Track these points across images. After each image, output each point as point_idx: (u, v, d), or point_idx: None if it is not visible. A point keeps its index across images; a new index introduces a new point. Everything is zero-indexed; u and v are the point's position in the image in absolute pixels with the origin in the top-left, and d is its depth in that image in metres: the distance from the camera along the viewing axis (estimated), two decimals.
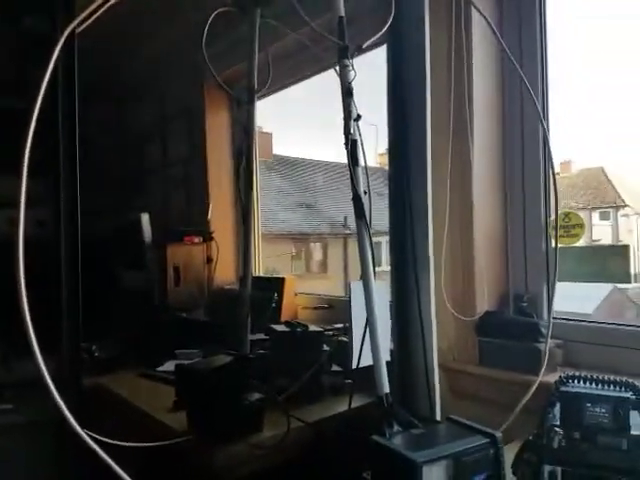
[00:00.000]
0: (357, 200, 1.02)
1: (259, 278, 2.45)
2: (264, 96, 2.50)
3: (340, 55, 1.04)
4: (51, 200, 0.97)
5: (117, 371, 1.94)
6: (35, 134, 0.78)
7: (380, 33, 1.07)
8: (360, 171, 1.04)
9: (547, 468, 0.93)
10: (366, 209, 1.05)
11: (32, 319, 0.74)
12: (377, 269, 1.79)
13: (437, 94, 1.41)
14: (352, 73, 1.04)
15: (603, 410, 0.92)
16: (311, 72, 2.27)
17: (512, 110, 1.55)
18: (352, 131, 1.01)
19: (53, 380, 0.77)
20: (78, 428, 0.77)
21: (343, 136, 1.02)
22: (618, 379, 0.95)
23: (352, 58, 1.04)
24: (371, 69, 1.35)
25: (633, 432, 0.89)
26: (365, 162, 1.15)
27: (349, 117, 1.01)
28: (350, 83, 1.02)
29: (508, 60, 1.49)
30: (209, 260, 2.42)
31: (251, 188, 1.32)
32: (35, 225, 1.06)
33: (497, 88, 1.55)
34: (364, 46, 1.07)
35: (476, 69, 1.47)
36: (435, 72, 1.34)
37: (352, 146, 1.01)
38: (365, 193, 1.04)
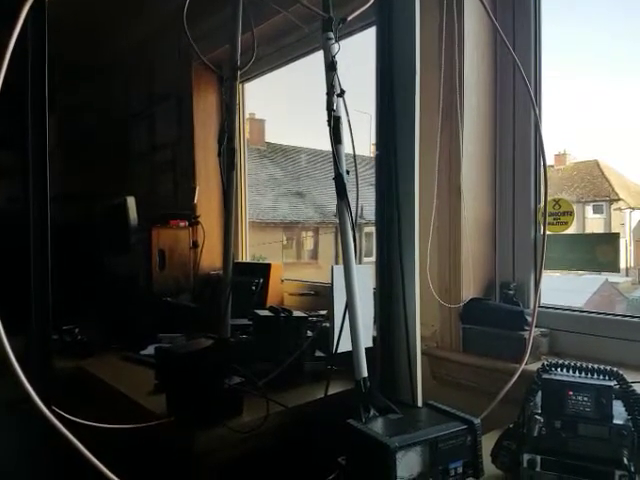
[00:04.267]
0: (339, 179, 0.99)
1: (245, 264, 2.42)
2: (250, 78, 2.46)
3: (324, 27, 1.00)
4: (20, 175, 0.93)
5: (100, 354, 1.92)
6: (2, 106, 0.74)
7: (366, 5, 1.03)
8: (343, 149, 1.00)
9: (526, 456, 0.91)
10: (350, 190, 1.02)
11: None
12: (369, 259, 1.76)
13: (427, 75, 1.37)
14: (336, 46, 1.00)
15: (585, 398, 0.90)
16: (300, 54, 2.22)
17: (504, 94, 1.51)
18: (335, 107, 0.98)
19: (20, 360, 0.74)
20: (41, 405, 0.74)
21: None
22: (602, 367, 0.93)
23: (336, 30, 1.00)
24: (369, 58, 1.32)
25: (615, 421, 0.87)
26: (352, 141, 1.12)
27: (332, 92, 0.97)
28: (334, 57, 0.99)
29: (501, 41, 1.46)
30: (195, 245, 2.38)
31: (233, 168, 1.28)
32: (6, 201, 1.02)
33: (489, 70, 1.51)
34: (349, 18, 1.03)
35: (468, 49, 1.43)
36: (425, 52, 1.30)
37: (335, 123, 0.98)
38: (348, 172, 1.01)
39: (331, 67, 0.98)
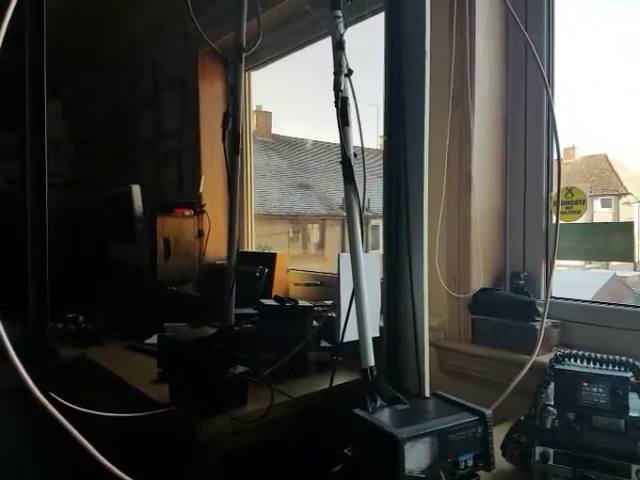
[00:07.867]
0: (346, 163, 0.95)
1: (250, 253, 2.40)
2: (258, 66, 2.43)
3: (332, 5, 0.97)
4: (18, 156, 0.90)
5: (104, 343, 1.92)
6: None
7: None
8: (351, 132, 0.97)
9: (539, 449, 0.88)
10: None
11: None
12: (377, 252, 1.73)
13: (437, 61, 1.33)
14: (344, 25, 0.96)
15: (600, 390, 0.87)
16: (307, 40, 2.18)
17: (516, 77, 1.47)
18: (342, 88, 0.94)
19: (15, 346, 0.72)
20: (36, 390, 0.71)
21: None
22: (617, 358, 0.90)
23: (344, 8, 0.97)
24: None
25: (632, 414, 0.84)
26: (359, 125, 1.08)
27: (339, 72, 0.94)
28: (342, 35, 0.95)
29: (513, 26, 1.41)
30: (200, 234, 2.36)
31: (237, 152, 1.25)
32: (4, 183, 0.99)
33: (500, 53, 1.47)
34: None
35: (479, 31, 1.39)
36: (435, 34, 1.26)
37: (342, 104, 0.94)
38: (356, 155, 0.98)
39: (339, 46, 0.95)
